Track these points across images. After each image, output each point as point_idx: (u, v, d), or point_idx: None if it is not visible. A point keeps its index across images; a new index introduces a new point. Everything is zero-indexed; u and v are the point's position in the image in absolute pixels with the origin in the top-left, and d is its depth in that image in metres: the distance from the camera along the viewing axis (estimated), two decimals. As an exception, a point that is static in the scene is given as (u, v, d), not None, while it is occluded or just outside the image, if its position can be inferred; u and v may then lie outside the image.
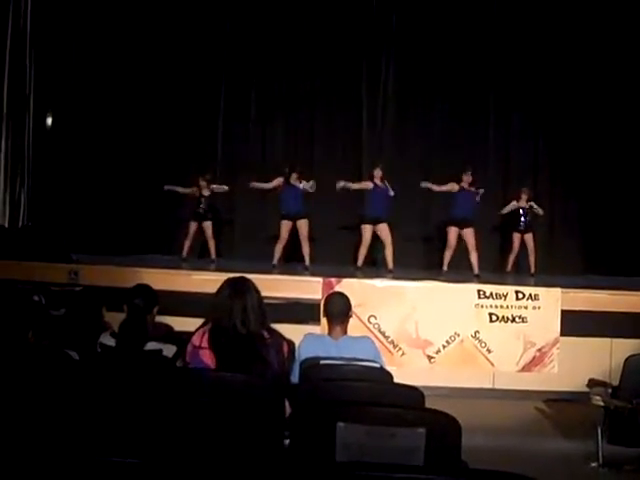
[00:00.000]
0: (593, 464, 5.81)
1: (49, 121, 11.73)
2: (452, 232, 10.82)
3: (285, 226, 10.64)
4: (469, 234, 10.76)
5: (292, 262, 10.99)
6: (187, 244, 11.08)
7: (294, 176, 10.63)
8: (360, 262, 10.70)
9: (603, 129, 11.92)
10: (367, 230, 10.67)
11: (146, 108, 11.87)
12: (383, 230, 10.64)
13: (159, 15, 11.85)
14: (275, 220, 11.36)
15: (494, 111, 12.49)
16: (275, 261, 10.63)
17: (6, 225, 11.12)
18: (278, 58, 12.33)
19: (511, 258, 11.37)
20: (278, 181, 10.70)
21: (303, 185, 10.60)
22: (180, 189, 11.08)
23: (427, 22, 12.21)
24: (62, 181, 11.53)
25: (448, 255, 10.88)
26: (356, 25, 12.21)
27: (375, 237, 10.77)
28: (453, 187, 10.79)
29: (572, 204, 12.17)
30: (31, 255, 9.47)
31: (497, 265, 11.76)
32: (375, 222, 10.64)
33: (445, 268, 10.80)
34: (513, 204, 11.22)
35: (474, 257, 10.73)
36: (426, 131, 12.47)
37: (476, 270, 10.65)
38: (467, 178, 10.75)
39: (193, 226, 11.06)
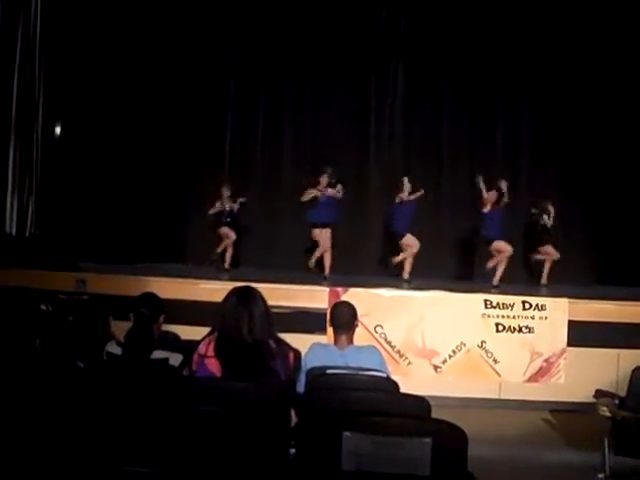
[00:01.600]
0: (600, 475, 5.78)
1: (58, 130, 11.77)
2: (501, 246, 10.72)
3: (317, 234, 10.73)
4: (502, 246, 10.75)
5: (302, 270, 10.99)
6: (227, 253, 11.25)
7: (323, 182, 10.70)
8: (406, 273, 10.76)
9: (613, 137, 11.89)
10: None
11: (154, 116, 11.90)
12: (407, 240, 10.74)
13: (167, 24, 11.89)
14: (287, 229, 11.47)
15: (502, 117, 12.51)
16: (327, 272, 10.73)
17: (14, 233, 11.15)
18: (287, 64, 12.37)
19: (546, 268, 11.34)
20: (312, 193, 10.74)
21: (331, 191, 10.67)
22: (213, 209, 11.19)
23: (436, 28, 12.24)
24: (70, 190, 11.56)
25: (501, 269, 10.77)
26: (365, 31, 12.25)
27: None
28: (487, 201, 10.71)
29: (580, 214, 12.14)
30: (39, 263, 9.49)
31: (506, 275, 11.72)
32: (399, 235, 10.75)
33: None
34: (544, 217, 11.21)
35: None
36: (435, 137, 12.48)
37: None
38: (493, 196, 10.74)
39: (222, 233, 11.21)
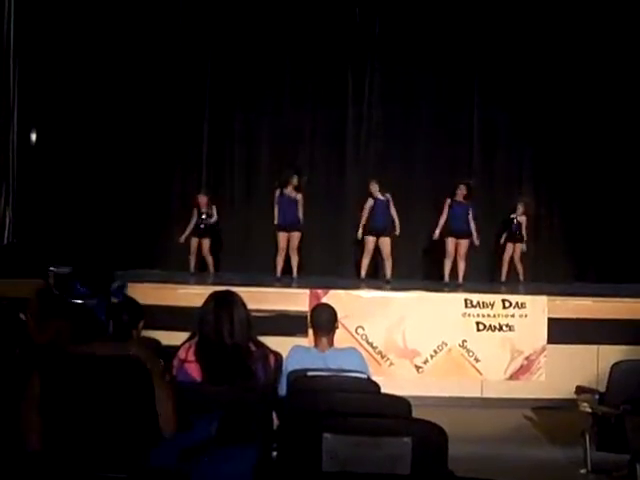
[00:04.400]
0: (582, 471, 5.83)
1: (33, 137, 11.69)
2: (450, 242, 10.82)
3: (282, 237, 10.74)
4: (463, 245, 10.80)
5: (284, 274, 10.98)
6: (193, 260, 11.16)
7: (290, 187, 10.73)
8: (363, 273, 10.79)
9: (589, 136, 11.96)
10: (370, 242, 10.75)
11: (131, 122, 11.84)
12: (384, 243, 10.73)
13: (143, 29, 11.84)
14: (262, 231, 11.44)
15: (479, 117, 12.52)
16: (278, 274, 10.71)
17: (-9, 242, 11.06)
18: (262, 66, 12.31)
19: (505, 267, 11.41)
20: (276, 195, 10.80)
21: (295, 195, 10.71)
22: (189, 228, 11.10)
23: (411, 25, 12.23)
24: (47, 197, 11.48)
25: (448, 265, 10.87)
26: (340, 30, 12.23)
27: (376, 249, 10.86)
28: (446, 202, 10.83)
29: (558, 211, 12.22)
30: (17, 272, 9.42)
31: (486, 274, 11.76)
32: (378, 234, 10.72)
33: (447, 279, 10.74)
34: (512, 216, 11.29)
35: (462, 267, 10.79)
36: (411, 137, 12.51)
37: (461, 279, 10.71)
38: (461, 192, 10.82)
39: (194, 242, 11.15)
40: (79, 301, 3.50)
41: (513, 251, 11.27)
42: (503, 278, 11.25)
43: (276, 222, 10.78)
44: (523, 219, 11.23)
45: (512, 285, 10.84)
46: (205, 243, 11.19)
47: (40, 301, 4.02)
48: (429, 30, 12.20)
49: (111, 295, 3.27)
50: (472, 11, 12.18)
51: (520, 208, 11.22)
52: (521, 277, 11.25)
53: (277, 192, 10.79)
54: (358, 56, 12.45)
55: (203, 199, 11.09)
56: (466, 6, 12.16)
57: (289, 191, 10.74)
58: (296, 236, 10.79)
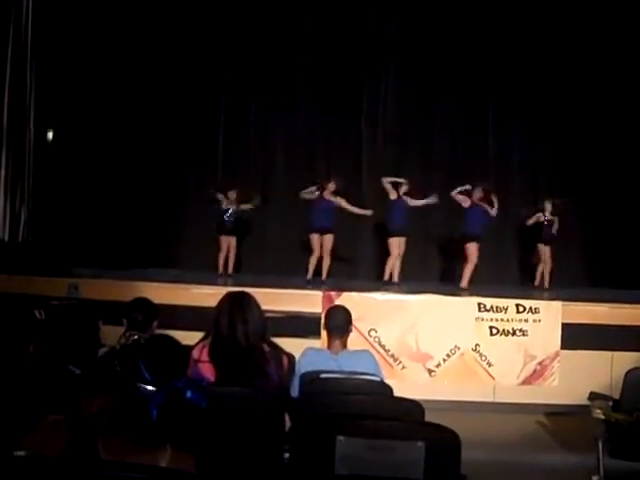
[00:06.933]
0: (594, 478, 5.77)
1: (50, 135, 11.74)
2: (472, 247, 10.71)
3: (316, 240, 10.72)
4: (474, 248, 10.76)
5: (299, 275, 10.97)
6: (222, 260, 11.16)
7: (329, 189, 10.72)
8: (395, 276, 10.78)
9: (606, 140, 11.93)
10: (393, 243, 10.76)
11: (147, 121, 11.90)
12: (400, 243, 10.75)
13: (159, 30, 11.90)
14: (279, 233, 11.44)
15: (494, 120, 12.54)
16: (310, 276, 10.68)
17: (6, 239, 11.11)
18: (278, 67, 12.36)
19: (540, 270, 11.31)
20: (316, 195, 10.80)
21: (336, 200, 10.70)
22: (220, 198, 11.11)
23: (426, 30, 12.27)
24: (62, 195, 11.54)
25: (470, 270, 10.78)
26: (356, 34, 12.27)
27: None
28: (465, 201, 10.75)
29: (574, 216, 12.16)
30: (31, 269, 9.46)
31: (498, 277, 11.73)
32: (398, 234, 10.76)
33: (465, 285, 10.68)
34: (538, 215, 11.18)
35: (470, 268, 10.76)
36: (427, 140, 12.51)
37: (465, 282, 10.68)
38: (478, 194, 10.75)
39: (224, 240, 11.15)
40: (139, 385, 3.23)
41: (544, 253, 11.19)
42: (546, 285, 11.16)
43: (311, 225, 10.80)
44: (555, 218, 11.12)
45: (526, 290, 10.79)
46: (231, 241, 11.19)
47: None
48: (444, 34, 12.23)
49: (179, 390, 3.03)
50: (487, 15, 12.19)
51: (549, 207, 11.12)
52: (546, 283, 11.17)
53: (316, 196, 10.76)
54: (374, 59, 12.50)
55: (232, 194, 11.08)
56: (482, 11, 12.15)
57: (327, 195, 10.72)
58: (329, 239, 10.76)
